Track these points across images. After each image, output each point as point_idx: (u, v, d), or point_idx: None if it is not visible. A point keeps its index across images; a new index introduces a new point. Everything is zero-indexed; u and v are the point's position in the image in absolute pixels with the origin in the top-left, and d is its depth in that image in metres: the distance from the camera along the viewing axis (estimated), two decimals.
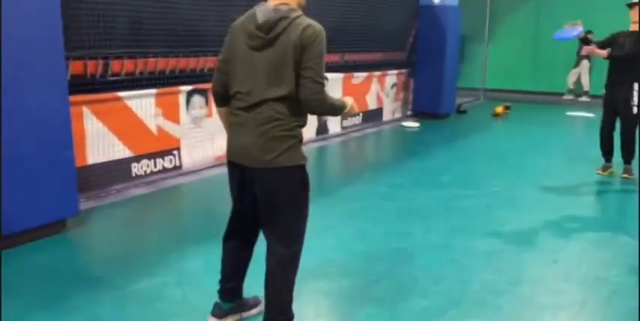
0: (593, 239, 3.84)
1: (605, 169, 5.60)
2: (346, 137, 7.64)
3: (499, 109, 9.88)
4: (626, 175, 5.43)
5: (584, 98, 11.93)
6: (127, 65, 4.91)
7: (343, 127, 7.89)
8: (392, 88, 9.04)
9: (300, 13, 2.18)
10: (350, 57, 8.09)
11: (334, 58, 7.75)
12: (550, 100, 12.18)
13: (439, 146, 7.06)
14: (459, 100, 10.42)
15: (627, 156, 5.43)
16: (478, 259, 3.43)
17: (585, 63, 11.84)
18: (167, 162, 5.29)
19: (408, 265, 3.31)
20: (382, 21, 8.49)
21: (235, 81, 2.24)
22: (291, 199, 2.23)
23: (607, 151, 5.58)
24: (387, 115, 9.00)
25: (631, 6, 5.20)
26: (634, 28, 5.21)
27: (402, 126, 8.62)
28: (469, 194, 4.85)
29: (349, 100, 2.38)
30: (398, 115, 9.35)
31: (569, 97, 12.15)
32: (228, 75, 2.27)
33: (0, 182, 3.21)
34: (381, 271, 3.22)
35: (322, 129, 7.42)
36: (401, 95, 9.38)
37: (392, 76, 9.00)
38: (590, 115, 9.87)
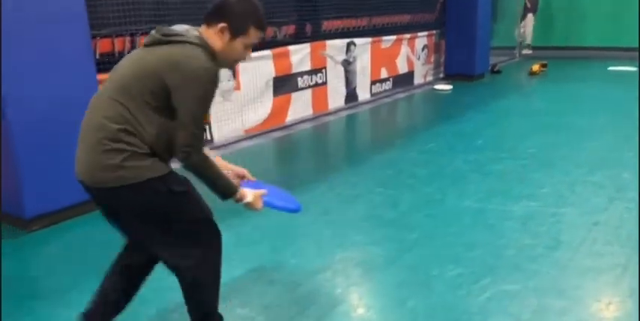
0: (636, 199, 3.67)
1: None
2: (376, 104, 7.50)
3: (535, 68, 9.51)
4: None
5: (526, 51, 12.23)
6: None
7: (372, 94, 7.75)
8: (422, 50, 8.78)
9: (201, 43, 1.82)
10: (378, 20, 7.86)
11: (361, 22, 7.55)
12: (590, 54, 11.63)
13: (473, 108, 6.85)
14: (494, 60, 10.07)
15: None
16: (514, 224, 3.34)
17: (530, 16, 11.97)
18: None
19: (440, 232, 3.25)
20: None
21: None
22: (159, 219, 1.85)
23: None
24: (418, 79, 8.78)
25: None
26: None
27: (434, 89, 8.41)
28: (504, 157, 4.70)
29: (249, 196, 1.94)
30: (430, 78, 9.11)
31: (528, 51, 12.36)
32: None
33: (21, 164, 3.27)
34: (413, 238, 3.18)
35: (351, 97, 7.30)
36: (432, 57, 9.11)
37: (422, 38, 8.72)
38: (634, 69, 9.40)
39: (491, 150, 4.96)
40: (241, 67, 5.47)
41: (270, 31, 6.07)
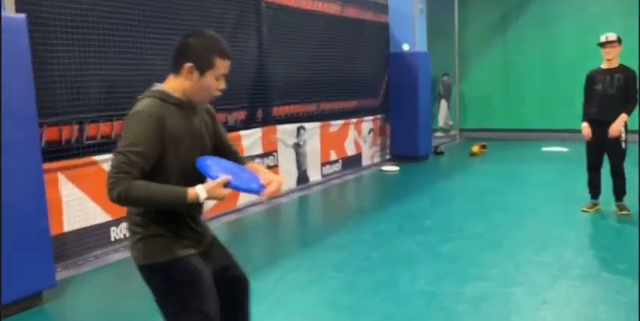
0: (580, 276, 3.83)
1: (592, 206, 5.51)
2: (327, 185, 7.65)
3: (476, 149, 10.05)
4: (625, 212, 5.30)
5: (454, 131, 13.03)
6: (104, 128, 4.92)
7: (323, 175, 7.92)
8: (369, 133, 9.17)
9: (152, 94, 1.96)
10: (325, 106, 8.23)
11: (310, 108, 7.89)
12: (525, 136, 12.43)
13: (419, 189, 7.09)
14: (435, 142, 10.58)
15: (620, 192, 5.32)
16: (467, 305, 3.38)
17: (444, 102, 13.23)
18: None
19: (396, 317, 3.25)
20: (355, 70, 8.71)
21: None
22: (159, 301, 2.05)
23: (595, 188, 5.48)
24: (366, 161, 9.08)
25: (605, 45, 5.14)
26: (609, 65, 5.20)
27: (382, 170, 8.69)
28: (453, 238, 4.83)
29: (202, 192, 1.86)
30: (377, 159, 9.43)
31: (441, 133, 13.11)
32: None
33: None
34: None
35: (302, 178, 7.43)
36: (378, 140, 9.50)
37: (368, 122, 9.14)
38: (564, 149, 10.09)
39: (439, 231, 5.09)
40: None
41: (222, 116, 6.24)
